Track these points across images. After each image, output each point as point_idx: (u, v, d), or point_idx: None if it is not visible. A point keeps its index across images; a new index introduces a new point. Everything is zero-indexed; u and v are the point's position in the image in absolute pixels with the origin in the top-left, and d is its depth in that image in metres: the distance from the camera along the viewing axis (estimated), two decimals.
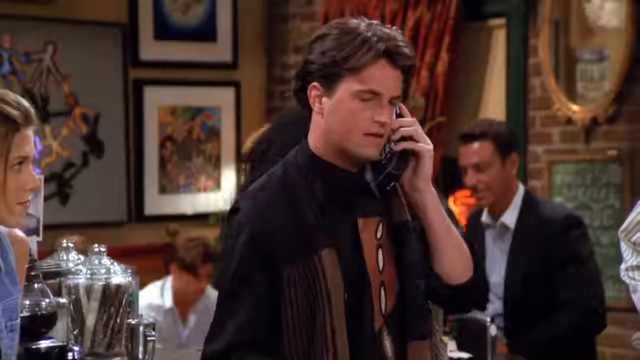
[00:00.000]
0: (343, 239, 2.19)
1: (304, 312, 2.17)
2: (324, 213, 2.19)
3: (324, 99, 2.20)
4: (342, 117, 2.18)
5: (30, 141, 2.09)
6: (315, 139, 2.23)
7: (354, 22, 2.21)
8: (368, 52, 2.15)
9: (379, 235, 2.21)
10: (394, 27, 2.23)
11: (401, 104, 2.26)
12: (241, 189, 3.35)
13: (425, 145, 2.24)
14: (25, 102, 2.09)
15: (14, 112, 2.06)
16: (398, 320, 2.22)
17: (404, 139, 2.23)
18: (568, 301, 3.72)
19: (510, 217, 3.83)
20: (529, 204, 3.83)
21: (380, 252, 2.21)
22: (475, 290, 2.32)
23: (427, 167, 2.24)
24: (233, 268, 2.21)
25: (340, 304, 2.16)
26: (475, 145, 3.79)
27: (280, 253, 2.17)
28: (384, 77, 2.17)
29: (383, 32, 2.18)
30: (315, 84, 2.20)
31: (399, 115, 2.24)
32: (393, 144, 2.21)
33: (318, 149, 2.23)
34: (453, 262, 2.26)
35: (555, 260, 3.73)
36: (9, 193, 2.05)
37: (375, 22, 2.22)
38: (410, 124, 2.24)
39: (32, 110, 2.09)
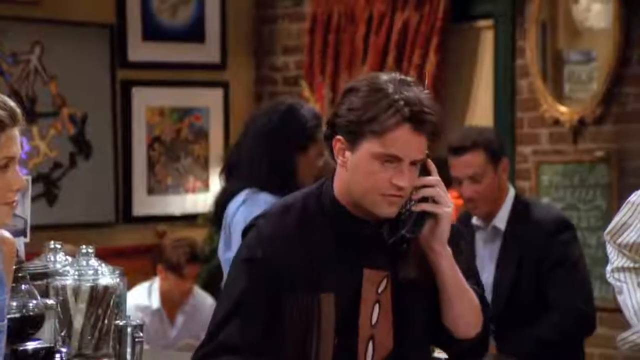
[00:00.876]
0: (345, 286, 2.23)
1: (298, 342, 2.22)
2: (333, 257, 2.24)
3: (347, 153, 2.23)
4: (362, 175, 2.21)
5: (16, 141, 2.08)
6: (338, 187, 2.27)
7: (384, 79, 2.22)
8: (393, 117, 2.17)
9: (380, 290, 2.25)
10: (423, 90, 2.23)
11: (429, 161, 2.26)
12: (222, 193, 3.36)
13: (446, 209, 2.24)
14: (11, 102, 2.09)
15: (0, 112, 2.05)
16: None
17: (425, 199, 2.24)
18: (558, 304, 3.73)
19: (501, 221, 3.83)
20: (519, 207, 3.83)
21: (377, 306, 2.24)
22: (481, 344, 2.36)
23: (445, 229, 2.25)
24: (237, 286, 2.25)
25: (329, 348, 2.21)
26: (468, 156, 3.76)
27: (284, 281, 2.22)
28: (406, 142, 2.18)
29: (410, 96, 2.19)
30: (339, 137, 2.23)
31: (425, 172, 2.25)
32: (414, 202, 2.22)
33: (340, 196, 2.26)
34: (463, 318, 2.30)
35: (545, 264, 3.73)
36: None
37: (406, 79, 2.23)
38: (434, 184, 2.24)
39: (18, 110, 2.09)
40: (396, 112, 2.17)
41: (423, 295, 2.30)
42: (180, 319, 5.26)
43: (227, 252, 3.21)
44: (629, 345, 2.83)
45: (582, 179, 5.00)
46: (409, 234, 2.23)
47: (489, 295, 3.84)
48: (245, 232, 2.33)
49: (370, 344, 2.24)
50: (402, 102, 2.18)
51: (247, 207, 3.17)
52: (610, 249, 2.82)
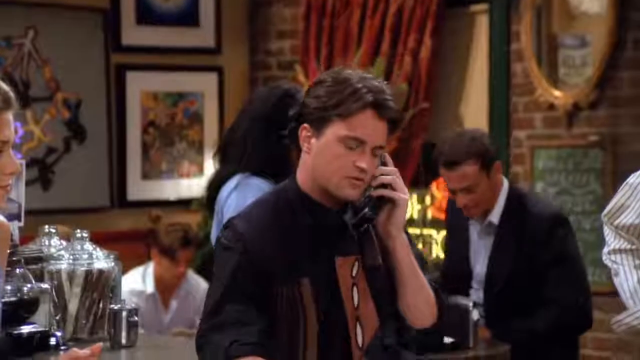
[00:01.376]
0: (321, 273, 2.35)
1: (288, 331, 2.32)
2: (306, 247, 2.35)
3: (312, 140, 2.37)
4: (327, 159, 2.35)
5: (10, 125, 2.07)
6: (302, 176, 2.40)
7: (347, 72, 2.40)
8: (357, 102, 2.33)
9: (354, 274, 2.37)
10: (384, 82, 2.41)
11: (387, 155, 2.42)
12: (214, 177, 3.36)
13: (402, 195, 2.39)
14: (4, 86, 2.08)
15: None
16: (379, 354, 2.36)
17: (383, 186, 2.38)
18: (556, 301, 3.71)
19: (496, 215, 3.82)
20: (514, 200, 3.81)
21: (355, 289, 2.36)
22: (433, 336, 2.52)
23: (402, 215, 2.40)
24: (222, 286, 2.32)
25: (313, 333, 2.31)
26: (461, 170, 3.73)
27: (270, 270, 2.32)
28: (369, 127, 2.34)
29: (373, 85, 2.36)
30: (306, 125, 2.37)
31: (384, 164, 2.40)
32: (372, 189, 2.37)
33: (304, 185, 2.39)
34: (416, 306, 2.42)
35: (541, 260, 3.72)
36: None
37: (368, 75, 2.40)
38: (391, 173, 2.40)
39: (11, 94, 2.08)
40: (360, 98, 2.33)
41: (386, 282, 2.41)
42: (174, 304, 5.27)
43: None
44: (624, 327, 2.84)
45: (576, 163, 5.00)
46: (369, 214, 2.36)
47: (481, 287, 3.85)
48: (222, 231, 2.41)
49: (358, 325, 2.35)
50: (365, 90, 2.34)
51: (239, 192, 3.17)
52: (607, 231, 2.82)
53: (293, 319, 2.32)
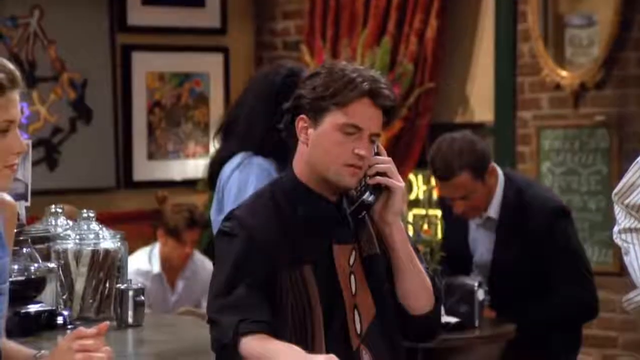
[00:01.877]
0: (320, 260, 2.37)
1: (294, 316, 2.34)
2: (305, 235, 2.38)
3: (310, 130, 2.40)
4: (325, 148, 2.38)
5: (16, 105, 2.07)
6: (299, 167, 2.43)
7: (342, 64, 2.44)
8: (354, 90, 2.37)
9: (351, 262, 2.40)
10: (378, 72, 2.45)
11: (379, 144, 2.45)
12: (217, 155, 3.37)
13: (397, 182, 2.42)
14: (10, 65, 2.08)
15: None
16: (378, 341, 2.39)
17: (378, 174, 2.41)
18: (560, 295, 3.71)
19: (493, 210, 3.81)
20: (511, 193, 3.79)
21: (352, 277, 2.40)
22: (433, 322, 2.50)
23: (398, 202, 2.42)
24: (228, 269, 2.34)
25: (319, 320, 2.34)
26: (454, 181, 3.73)
27: (274, 258, 2.34)
28: (366, 114, 2.37)
29: (368, 75, 2.40)
30: (303, 116, 2.41)
31: (377, 154, 2.44)
32: (368, 177, 2.40)
33: (302, 176, 2.42)
34: (413, 292, 2.45)
35: (544, 254, 3.71)
36: None
37: (361, 67, 2.45)
38: (386, 162, 2.43)
39: (17, 73, 2.08)
40: (356, 87, 2.37)
41: (383, 270, 2.44)
42: (180, 284, 5.28)
43: (219, 215, 3.22)
44: (634, 305, 2.84)
45: (582, 143, 4.99)
46: (366, 201, 2.39)
47: (486, 273, 3.85)
48: (223, 222, 2.44)
49: (356, 313, 2.38)
50: (360, 79, 2.38)
51: (242, 171, 3.17)
52: (617, 210, 2.81)
53: (298, 306, 2.34)
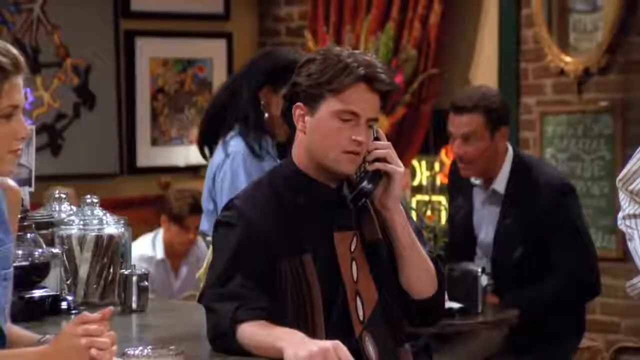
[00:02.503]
0: (321, 248, 2.37)
1: (294, 304, 2.33)
2: (304, 223, 2.37)
3: (307, 118, 2.38)
4: (323, 135, 2.37)
5: (20, 90, 2.07)
6: (298, 155, 2.42)
7: (337, 49, 2.42)
8: (349, 76, 2.35)
9: (352, 249, 2.40)
10: (373, 56, 2.44)
11: (379, 129, 2.44)
12: (209, 133, 3.39)
13: (397, 168, 2.40)
14: (13, 50, 2.08)
15: (3, 60, 2.04)
16: (380, 327, 2.39)
17: (377, 160, 2.40)
18: (561, 270, 3.72)
19: (500, 184, 3.82)
20: (519, 169, 3.81)
21: (354, 263, 2.39)
22: (437, 306, 2.50)
23: (397, 187, 2.41)
24: (226, 258, 2.34)
25: (319, 308, 2.33)
26: (466, 117, 3.75)
27: (273, 246, 2.34)
28: (362, 100, 2.36)
29: (363, 59, 2.38)
30: (299, 104, 2.39)
31: (376, 139, 2.41)
32: (367, 164, 2.39)
33: (301, 164, 2.42)
34: (416, 276, 2.44)
35: (548, 229, 3.72)
36: (1, 141, 2.05)
37: (357, 51, 2.43)
38: (385, 147, 2.41)
39: (21, 58, 2.08)
40: (351, 72, 2.35)
41: (386, 255, 2.44)
42: (184, 270, 5.29)
43: (209, 204, 3.26)
44: (637, 291, 2.84)
45: (586, 129, 4.99)
46: (366, 188, 2.38)
47: (488, 253, 3.85)
48: (222, 212, 2.44)
49: (358, 299, 2.38)
50: (355, 64, 2.36)
51: (231, 163, 3.20)
52: (622, 196, 2.81)
53: (298, 295, 2.33)
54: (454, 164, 4.03)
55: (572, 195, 3.78)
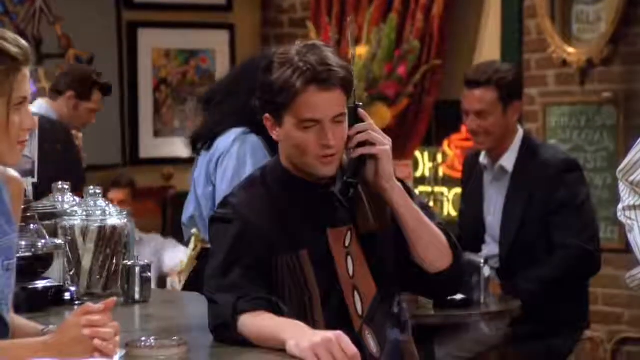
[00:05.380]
0: (316, 245, 2.35)
1: (293, 301, 2.33)
2: (299, 220, 2.36)
3: (277, 129, 2.36)
4: (293, 146, 2.35)
5: (28, 81, 2.09)
6: (282, 157, 2.41)
7: (294, 50, 2.33)
8: (297, 81, 2.29)
9: (347, 244, 2.38)
10: (330, 49, 2.34)
11: (361, 110, 2.38)
12: (198, 127, 3.37)
13: (381, 147, 2.36)
14: (22, 41, 2.09)
15: (15, 50, 2.06)
16: (380, 319, 2.38)
17: (360, 144, 2.35)
18: (563, 244, 3.75)
19: (508, 160, 3.85)
20: (528, 148, 3.85)
21: (349, 259, 2.38)
22: (454, 278, 2.46)
23: (387, 166, 2.36)
24: (224, 251, 2.33)
25: (318, 304, 2.33)
26: (479, 91, 3.79)
27: (270, 242, 2.33)
28: (317, 103, 2.30)
29: (313, 59, 2.30)
30: (267, 115, 2.37)
31: (359, 120, 2.36)
32: (351, 151, 2.35)
33: (287, 165, 2.40)
34: (428, 250, 2.41)
35: (552, 204, 3.75)
36: (12, 132, 2.06)
37: (317, 44, 2.35)
38: (365, 129, 2.36)
39: (29, 49, 2.10)
40: (299, 77, 2.28)
41: (387, 241, 2.42)
42: None
43: (208, 187, 3.24)
44: (637, 282, 2.85)
45: (589, 120, 4.99)
46: (349, 178, 2.36)
47: (496, 236, 3.87)
48: (217, 209, 2.43)
49: (356, 294, 2.37)
50: (304, 67, 2.29)
51: (240, 148, 3.18)
52: (622, 187, 2.81)
53: (297, 291, 2.33)
54: (466, 159, 4.07)
55: (575, 171, 3.81)
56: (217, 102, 3.32)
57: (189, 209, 3.30)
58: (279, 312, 2.27)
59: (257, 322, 2.23)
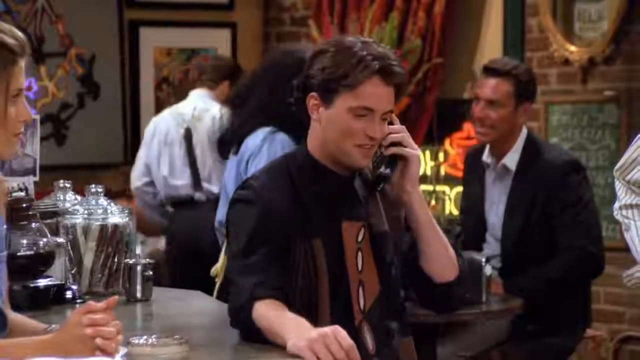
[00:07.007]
0: (330, 235, 2.38)
1: (303, 285, 2.36)
2: (316, 209, 2.39)
3: (321, 109, 2.39)
4: (337, 129, 2.38)
5: (23, 73, 2.09)
6: (312, 143, 2.44)
7: (350, 40, 2.41)
8: (363, 71, 2.34)
9: (359, 239, 2.41)
10: (387, 47, 2.43)
11: (392, 114, 2.44)
12: (225, 131, 3.37)
13: (413, 150, 2.42)
14: (18, 32, 2.09)
15: (11, 41, 2.06)
16: (380, 319, 2.40)
17: (393, 144, 2.41)
18: (566, 245, 3.75)
19: (511, 159, 3.85)
20: (531, 147, 3.85)
21: (360, 254, 2.41)
22: (454, 292, 2.49)
23: (415, 170, 2.43)
24: (247, 232, 2.35)
25: (325, 292, 2.36)
26: (496, 81, 3.83)
27: (288, 227, 2.36)
28: (377, 94, 2.36)
29: (377, 51, 2.37)
30: (314, 94, 2.40)
31: (390, 123, 2.42)
32: (383, 149, 2.41)
33: (315, 152, 2.43)
34: (438, 258, 2.46)
35: (555, 204, 3.75)
36: (9, 124, 2.06)
37: (369, 40, 2.43)
38: (400, 131, 2.43)
39: (26, 41, 2.09)
40: (366, 67, 2.34)
41: (397, 248, 2.46)
42: None
43: None
44: (634, 281, 2.85)
45: (591, 118, 4.98)
46: (385, 172, 2.40)
47: (497, 235, 3.87)
48: (237, 190, 2.45)
49: (361, 289, 2.40)
50: (370, 57, 2.35)
51: (270, 146, 3.19)
52: (619, 186, 2.81)
53: (307, 277, 2.35)
54: (468, 156, 4.07)
55: (579, 172, 3.82)
56: (240, 104, 3.33)
57: (220, 212, 3.31)
58: (289, 302, 2.30)
59: (269, 315, 2.25)
